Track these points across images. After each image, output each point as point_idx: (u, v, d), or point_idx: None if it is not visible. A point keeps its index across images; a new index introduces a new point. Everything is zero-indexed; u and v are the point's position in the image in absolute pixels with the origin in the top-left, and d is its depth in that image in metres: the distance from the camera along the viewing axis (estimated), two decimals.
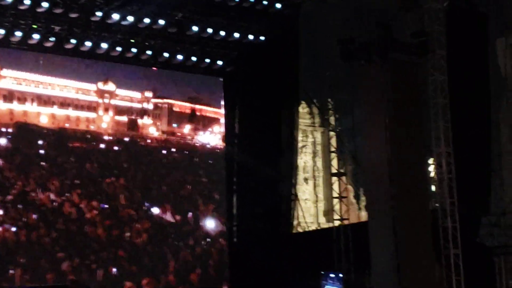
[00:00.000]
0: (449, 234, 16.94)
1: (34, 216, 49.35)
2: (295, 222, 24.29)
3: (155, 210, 58.68)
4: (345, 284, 19.64)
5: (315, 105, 25.41)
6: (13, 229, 48.66)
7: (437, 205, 17.77)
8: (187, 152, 67.66)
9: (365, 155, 18.28)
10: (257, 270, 21.04)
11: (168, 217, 58.72)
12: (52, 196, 52.37)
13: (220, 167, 27.49)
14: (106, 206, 55.42)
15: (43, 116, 69.13)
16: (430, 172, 19.89)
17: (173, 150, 66.20)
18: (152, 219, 58.35)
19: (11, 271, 41.52)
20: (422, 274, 16.19)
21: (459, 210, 17.07)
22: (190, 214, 57.81)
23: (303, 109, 25.67)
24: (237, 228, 23.56)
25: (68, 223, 52.05)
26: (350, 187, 23.64)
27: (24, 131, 57.14)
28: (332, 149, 22.49)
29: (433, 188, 19.22)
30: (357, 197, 24.67)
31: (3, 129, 58.88)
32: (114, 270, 43.81)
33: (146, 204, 59.72)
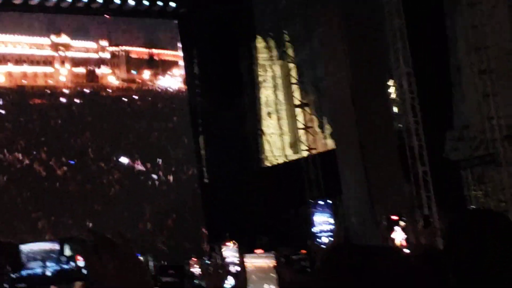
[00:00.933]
0: (416, 152, 17.15)
1: (4, 177, 49.25)
2: (263, 157, 24.42)
3: (125, 160, 58.80)
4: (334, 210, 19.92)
5: (271, 38, 25.28)
6: None
7: (400, 125, 17.94)
8: (150, 99, 67.56)
9: (327, 83, 18.35)
10: (232, 208, 21.19)
11: (139, 166, 58.89)
12: (20, 156, 52.21)
13: (185, 111, 27.39)
14: (75, 161, 55.42)
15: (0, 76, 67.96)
16: (391, 94, 20.04)
17: (136, 97, 66.07)
18: (123, 169, 58.48)
19: None
20: (392, 194, 16.43)
21: (424, 128, 17.26)
22: (160, 160, 57.96)
23: (259, 43, 25.51)
24: (207, 169, 23.63)
25: (39, 181, 52.03)
26: (314, 117, 23.71)
27: None
28: (293, 81, 22.51)
29: (395, 109, 19.38)
30: (321, 126, 24.76)
31: None
32: (90, 224, 44.07)
33: (115, 155, 59.79)
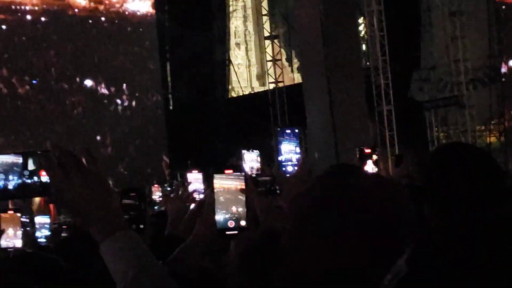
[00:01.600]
0: (382, 91, 17.25)
1: None
2: (229, 87, 24.36)
3: (88, 83, 58.26)
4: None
5: None
6: None
7: (368, 64, 17.99)
8: (117, 21, 66.55)
9: (297, 16, 18.21)
10: (195, 137, 21.20)
11: (103, 89, 58.39)
12: None
13: (153, 36, 27.06)
14: (38, 80, 54.76)
15: None
16: (361, 31, 20.00)
17: (103, 19, 64.96)
18: (86, 92, 57.94)
19: None
20: (356, 131, 16.55)
21: (390, 67, 17.32)
22: (124, 85, 57.53)
23: None
24: (172, 96, 23.51)
25: (0, 99, 51.40)
26: (282, 50, 23.60)
27: None
28: (264, 12, 22.30)
29: (364, 47, 19.38)
30: (289, 59, 24.69)
31: None
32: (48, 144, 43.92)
33: (79, 77, 59.12)
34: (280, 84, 21.36)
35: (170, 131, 23.98)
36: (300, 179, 2.78)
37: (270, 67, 21.65)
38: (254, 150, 8.18)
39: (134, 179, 32.60)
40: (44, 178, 1.78)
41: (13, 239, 4.14)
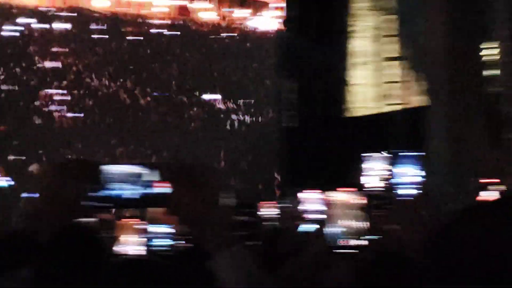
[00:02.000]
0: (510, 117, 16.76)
1: (90, 102, 50.56)
2: (348, 107, 24.22)
3: (207, 97, 59.40)
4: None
5: None
6: (69, 114, 49.99)
7: (497, 89, 17.52)
8: (238, 38, 67.83)
9: (423, 38, 17.98)
10: (309, 156, 21.16)
11: (220, 104, 59.42)
12: (107, 82, 53.40)
13: (271, 53, 27.27)
14: (160, 92, 56.34)
15: (95, 0, 69.67)
16: (487, 56, 19.49)
17: (224, 35, 66.33)
18: (204, 105, 59.12)
19: (68, 156, 42.84)
20: (477, 157, 16.16)
21: None
22: (241, 101, 58.40)
23: None
24: (289, 113, 23.56)
25: (123, 109, 53.20)
26: (406, 72, 23.31)
27: (78, 15, 57.77)
28: (389, 32, 22.12)
29: (490, 72, 18.90)
30: (413, 81, 24.32)
31: (57, 13, 59.99)
32: (165, 155, 44.88)
33: (198, 90, 60.43)
34: (403, 106, 21.09)
35: (284, 149, 24.01)
36: (417, 203, 2.71)
37: (393, 88, 21.42)
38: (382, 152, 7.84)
39: (245, 194, 32.84)
40: (161, 189, 1.78)
41: (128, 245, 4.18)
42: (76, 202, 1.92)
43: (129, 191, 1.86)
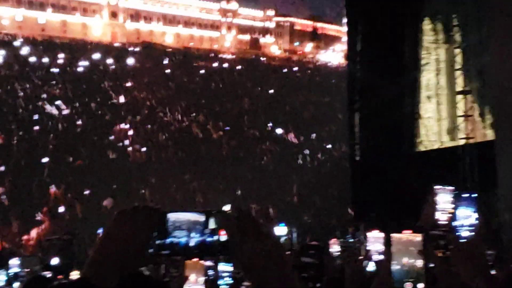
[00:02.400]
0: None
1: (163, 136, 51.24)
2: (418, 141, 23.97)
3: (279, 131, 59.51)
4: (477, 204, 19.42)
5: (439, 21, 24.57)
6: (143, 149, 50.77)
7: None
8: (309, 72, 68.06)
9: (492, 71, 17.70)
10: (381, 189, 20.96)
11: (292, 138, 59.42)
12: (179, 117, 54.08)
13: (343, 87, 27.25)
14: (231, 126, 56.67)
15: (168, 36, 71.57)
16: None
17: (296, 69, 66.61)
18: (276, 139, 59.19)
19: (142, 191, 43.47)
20: None
21: None
22: (313, 135, 58.19)
23: (426, 25, 24.89)
24: (360, 147, 23.46)
25: (195, 143, 53.73)
26: (475, 105, 22.96)
27: (151, 51, 59.18)
28: (457, 66, 21.87)
29: None
30: (482, 115, 23.92)
31: (131, 49, 61.58)
32: (239, 192, 45.00)
33: (270, 124, 60.60)
34: (471, 140, 20.76)
35: (355, 182, 23.85)
36: (474, 245, 2.68)
37: (461, 122, 21.13)
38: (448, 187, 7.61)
39: (318, 229, 32.60)
40: (224, 237, 1.83)
41: (195, 285, 4.26)
42: (143, 249, 2.00)
43: (192, 239, 1.94)
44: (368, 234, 5.76)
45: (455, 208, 2.20)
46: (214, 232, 1.89)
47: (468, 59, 22.01)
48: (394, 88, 22.08)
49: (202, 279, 4.37)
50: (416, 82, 23.57)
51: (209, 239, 1.89)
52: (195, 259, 4.34)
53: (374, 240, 5.53)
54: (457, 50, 22.26)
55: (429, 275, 2.50)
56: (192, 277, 4.23)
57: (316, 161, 54.72)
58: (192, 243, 1.92)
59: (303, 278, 3.22)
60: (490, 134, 21.67)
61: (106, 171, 42.84)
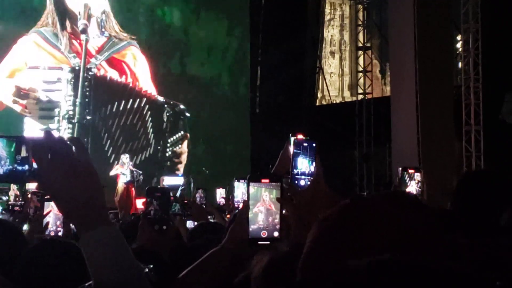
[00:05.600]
0: (472, 110, 16.86)
1: None
2: (319, 95, 24.26)
3: None
4: (365, 157, 19.91)
5: None
6: None
7: (460, 81, 17.63)
8: None
9: (392, 29, 18.01)
10: (279, 143, 21.03)
11: None
12: None
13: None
14: None
15: None
16: (457, 49, 19.61)
17: None
18: None
19: None
20: (442, 149, 16.19)
21: (483, 86, 16.91)
22: None
23: None
24: (259, 100, 23.42)
25: None
26: (376, 62, 23.36)
27: None
28: (359, 22, 22.12)
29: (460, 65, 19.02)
30: (382, 71, 24.42)
31: None
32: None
33: None
34: (369, 96, 21.12)
35: (254, 135, 23.85)
36: (314, 193, 2.71)
37: (361, 78, 21.44)
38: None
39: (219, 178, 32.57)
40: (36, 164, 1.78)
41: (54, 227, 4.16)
42: None
43: (2, 167, 1.86)
44: (235, 183, 5.90)
45: (294, 157, 2.28)
46: (26, 159, 1.84)
47: (370, 15, 22.29)
48: (296, 43, 22.13)
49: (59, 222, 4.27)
50: (319, 37, 23.72)
51: (20, 167, 1.84)
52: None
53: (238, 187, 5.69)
54: (360, 6, 22.47)
55: (283, 224, 2.53)
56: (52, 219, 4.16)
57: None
58: (1, 171, 1.87)
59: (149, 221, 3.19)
60: (388, 91, 22.18)
61: None
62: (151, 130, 15.15)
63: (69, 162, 1.70)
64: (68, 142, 1.72)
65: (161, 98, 15.69)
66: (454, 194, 2.45)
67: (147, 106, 14.90)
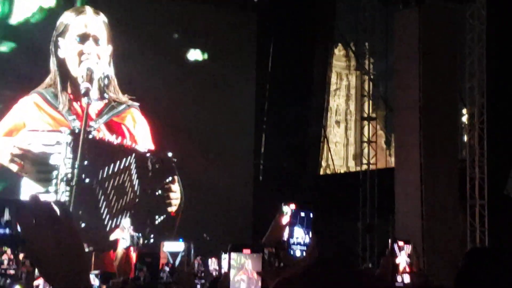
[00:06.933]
0: (476, 184, 16.80)
1: None
2: (324, 164, 24.18)
3: None
4: (368, 227, 19.77)
5: (351, 48, 25.03)
6: None
7: (465, 155, 17.60)
8: None
9: (397, 100, 18.05)
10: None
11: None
12: None
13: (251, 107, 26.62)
14: None
15: None
16: (463, 122, 19.61)
17: None
18: None
19: None
20: (446, 223, 16.08)
21: (488, 161, 16.88)
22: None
23: (339, 51, 25.33)
24: (264, 167, 23.34)
25: None
26: (381, 132, 23.38)
27: None
28: (364, 93, 22.22)
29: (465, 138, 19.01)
30: (387, 142, 24.43)
31: None
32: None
33: None
34: (373, 167, 21.00)
35: (256, 203, 23.68)
36: (307, 265, 2.67)
37: (365, 148, 21.37)
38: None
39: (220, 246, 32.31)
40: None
41: None
42: None
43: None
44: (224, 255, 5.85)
45: (291, 226, 2.26)
46: (9, 223, 1.78)
47: (375, 86, 22.42)
48: (301, 111, 22.19)
49: None
50: (324, 106, 23.81)
51: (1, 230, 1.78)
52: None
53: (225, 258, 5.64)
54: (366, 77, 22.64)
55: None
56: None
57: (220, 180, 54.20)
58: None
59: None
60: (392, 162, 22.11)
61: None
62: (137, 181, 15.06)
63: (54, 228, 1.67)
64: (54, 207, 1.69)
65: (143, 149, 15.57)
66: (459, 273, 2.37)
67: (134, 160, 14.88)
